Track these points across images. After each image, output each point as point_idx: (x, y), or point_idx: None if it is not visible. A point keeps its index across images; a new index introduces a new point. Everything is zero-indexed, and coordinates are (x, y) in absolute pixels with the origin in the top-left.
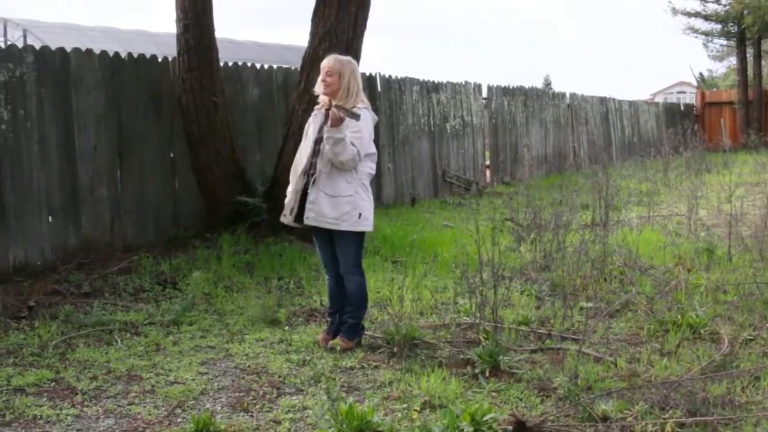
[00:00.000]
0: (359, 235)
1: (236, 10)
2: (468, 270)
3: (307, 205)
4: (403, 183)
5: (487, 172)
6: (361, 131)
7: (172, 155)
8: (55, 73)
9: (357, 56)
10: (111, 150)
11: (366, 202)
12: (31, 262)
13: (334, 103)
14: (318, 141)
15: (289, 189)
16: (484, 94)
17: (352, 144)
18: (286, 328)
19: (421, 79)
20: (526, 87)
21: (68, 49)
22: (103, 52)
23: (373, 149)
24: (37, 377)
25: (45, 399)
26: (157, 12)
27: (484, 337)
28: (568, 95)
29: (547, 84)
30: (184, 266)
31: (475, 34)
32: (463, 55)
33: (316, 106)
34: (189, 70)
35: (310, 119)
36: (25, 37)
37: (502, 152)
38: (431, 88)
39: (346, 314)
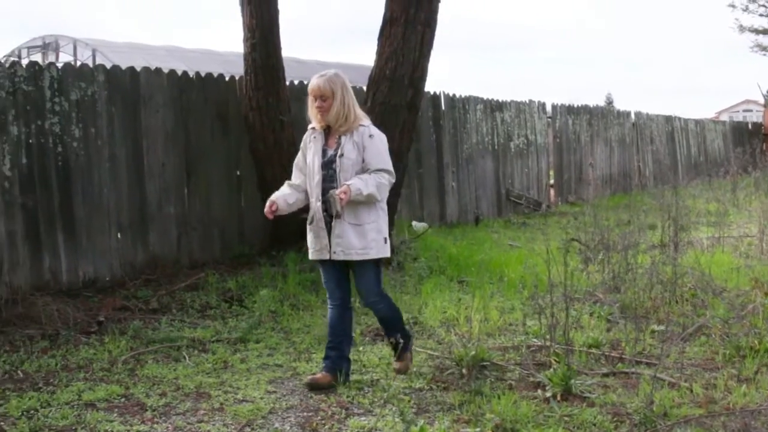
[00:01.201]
0: (381, 260)
1: (299, 29)
2: (537, 291)
3: (334, 240)
4: (467, 202)
5: (551, 192)
6: (380, 152)
7: (238, 173)
8: (125, 92)
9: (423, 75)
10: (178, 167)
11: (386, 223)
12: (100, 277)
13: (333, 128)
14: (327, 164)
15: (310, 225)
16: (549, 112)
17: (381, 170)
18: (360, 348)
19: (485, 98)
20: (591, 105)
21: (138, 68)
22: (172, 71)
23: (391, 165)
24: (108, 392)
25: (115, 414)
26: (215, 27)
27: (555, 360)
28: (633, 114)
29: (609, 102)
30: (250, 284)
31: (535, 50)
32: (525, 72)
33: (310, 126)
34: (256, 88)
35: (308, 139)
36: (94, 56)
37: (567, 171)
38: (495, 107)
39: (390, 336)
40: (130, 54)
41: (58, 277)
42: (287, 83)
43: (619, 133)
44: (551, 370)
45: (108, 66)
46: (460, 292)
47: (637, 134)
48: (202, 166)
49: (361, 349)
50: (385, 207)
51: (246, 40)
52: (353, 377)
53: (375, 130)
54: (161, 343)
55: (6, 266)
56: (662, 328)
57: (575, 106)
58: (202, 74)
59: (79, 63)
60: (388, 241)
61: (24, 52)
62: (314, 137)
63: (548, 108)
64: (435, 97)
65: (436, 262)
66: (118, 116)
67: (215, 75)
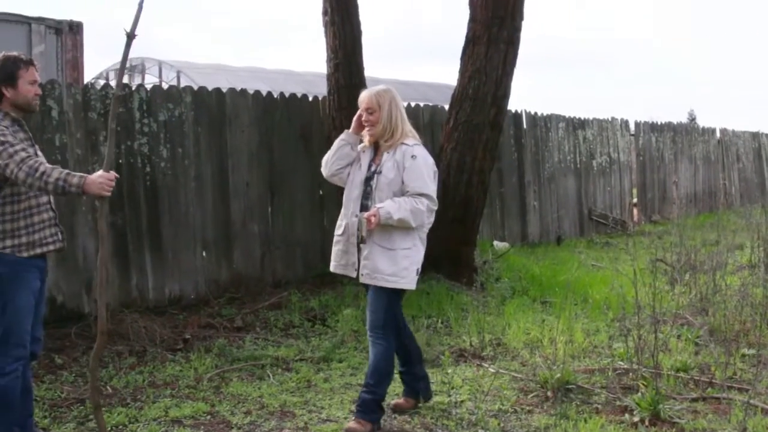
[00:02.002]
0: (402, 293)
1: (380, 49)
2: (624, 312)
3: (362, 261)
4: (549, 221)
5: (635, 211)
6: (422, 175)
7: (321, 192)
8: (211, 113)
9: (506, 94)
10: (262, 187)
11: (421, 254)
12: (185, 295)
13: (380, 142)
14: (366, 180)
15: (339, 236)
16: (632, 130)
17: (420, 195)
18: (451, 370)
19: (566, 116)
20: (675, 122)
21: (223, 89)
22: (257, 92)
23: (433, 190)
24: (194, 409)
25: (202, 431)
26: (294, 48)
27: (642, 384)
28: (718, 131)
29: (692, 118)
30: (333, 303)
31: (615, 67)
32: (604, 89)
33: (361, 144)
34: (339, 108)
35: (362, 152)
36: (179, 77)
37: (650, 190)
38: (577, 125)
39: (366, 389)
40: (214, 75)
41: (144, 295)
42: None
43: (703, 151)
44: (639, 394)
45: (194, 87)
46: (543, 313)
47: (723, 151)
48: (285, 185)
49: (449, 371)
50: (425, 237)
51: (329, 60)
52: (437, 398)
53: (420, 151)
54: (246, 361)
55: (95, 283)
56: (753, 351)
57: (659, 123)
58: (286, 95)
59: (164, 84)
60: (418, 275)
61: (111, 75)
62: (363, 151)
63: (631, 125)
64: (517, 116)
65: (519, 282)
66: (204, 136)
67: (299, 95)
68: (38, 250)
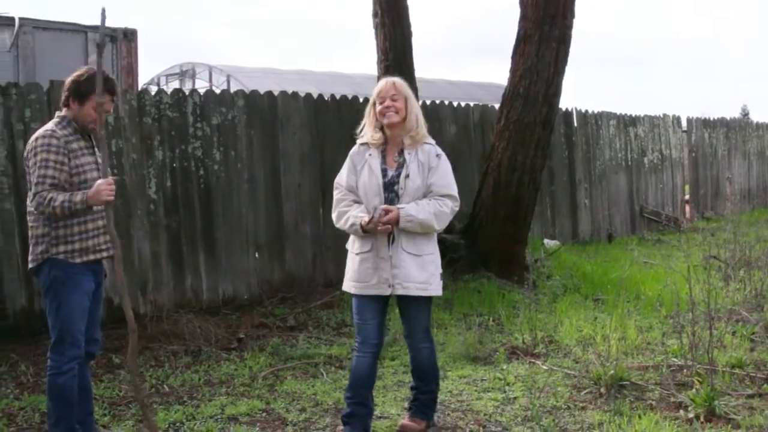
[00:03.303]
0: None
1: (428, 48)
2: (678, 308)
3: (391, 271)
4: (600, 219)
5: (687, 207)
6: (448, 175)
7: None
8: (263, 116)
9: (558, 92)
10: (314, 188)
11: (440, 257)
12: (238, 295)
13: (394, 141)
14: (388, 186)
15: (357, 248)
16: (684, 126)
17: (446, 196)
18: (504, 367)
19: (617, 113)
20: (728, 118)
21: (275, 93)
22: (308, 95)
23: (456, 190)
24: (249, 407)
25: (258, 428)
26: (341, 52)
27: (697, 380)
28: None
29: (745, 114)
30: None
31: (664, 63)
32: (655, 86)
33: (360, 142)
34: None
35: (359, 157)
36: (228, 81)
37: (703, 186)
38: (628, 122)
39: (418, 390)
40: (263, 78)
41: (199, 296)
42: (420, 103)
43: (758, 146)
44: (693, 390)
45: (245, 91)
46: (595, 310)
47: None
48: None
49: (504, 367)
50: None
51: (380, 62)
52: (490, 395)
53: (441, 150)
54: (299, 359)
55: (151, 285)
56: None
57: (711, 119)
58: (336, 97)
59: (214, 88)
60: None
61: (162, 80)
62: (369, 155)
63: (683, 122)
64: (567, 114)
65: (570, 280)
66: (257, 139)
67: (349, 97)
68: (91, 257)
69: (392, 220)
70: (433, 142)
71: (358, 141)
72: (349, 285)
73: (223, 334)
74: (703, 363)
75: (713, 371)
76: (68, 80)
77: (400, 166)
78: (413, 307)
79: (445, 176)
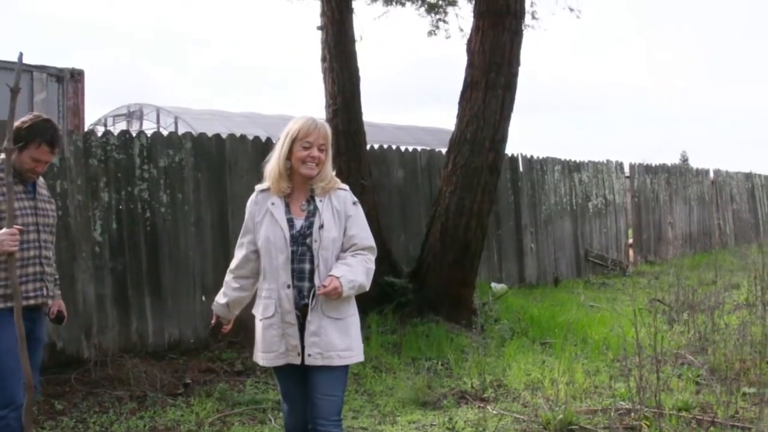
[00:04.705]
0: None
1: (374, 93)
2: (625, 352)
3: (308, 339)
4: (546, 262)
5: (630, 251)
6: (366, 225)
7: None
8: (211, 159)
9: (504, 138)
10: None
11: None
12: (185, 339)
13: (301, 190)
14: (298, 239)
15: (260, 313)
16: (626, 172)
17: (367, 249)
18: (453, 411)
19: (562, 159)
20: (669, 164)
21: (223, 136)
22: (256, 138)
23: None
24: None
25: None
26: (291, 92)
27: (645, 424)
28: (711, 171)
29: (684, 159)
30: None
31: (606, 110)
32: (595, 131)
33: (260, 189)
34: (338, 154)
35: (259, 207)
36: (176, 123)
37: (646, 231)
38: (573, 168)
39: None
40: (210, 120)
41: (144, 340)
42: (368, 147)
43: (698, 192)
44: None
45: (193, 133)
46: (543, 354)
47: (717, 192)
48: None
49: (454, 412)
50: None
51: (328, 106)
52: None
53: (355, 197)
54: (247, 405)
55: (95, 328)
56: (754, 390)
57: (653, 165)
58: None
59: (162, 130)
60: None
61: (110, 121)
62: (272, 203)
63: (626, 167)
64: (513, 159)
65: (518, 323)
66: (204, 182)
67: None
68: (9, 304)
69: (336, 293)
70: (346, 187)
71: (257, 188)
72: (258, 356)
73: (169, 378)
74: (650, 406)
75: (661, 414)
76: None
77: (311, 214)
78: (328, 379)
79: (364, 227)
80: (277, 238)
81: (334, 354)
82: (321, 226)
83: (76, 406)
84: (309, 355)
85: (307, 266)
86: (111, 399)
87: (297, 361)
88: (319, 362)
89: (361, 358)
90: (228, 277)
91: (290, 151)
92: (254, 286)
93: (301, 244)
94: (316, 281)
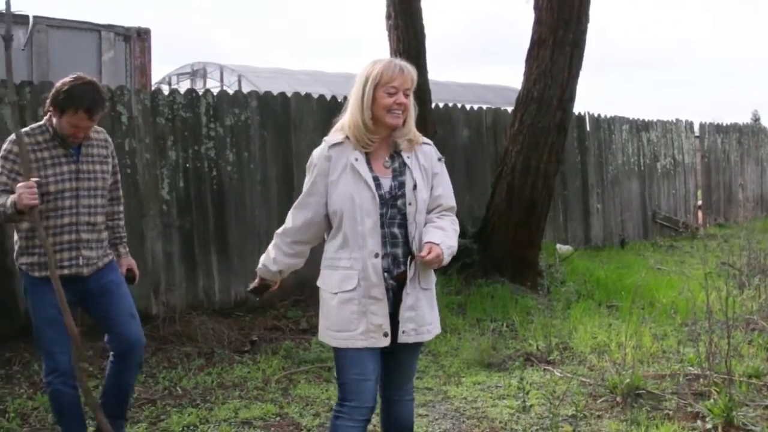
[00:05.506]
0: None
1: (439, 51)
2: (695, 317)
3: (404, 314)
4: (612, 224)
5: (699, 213)
6: (449, 184)
7: None
8: (276, 117)
9: (572, 96)
10: None
11: None
12: (250, 297)
13: (385, 142)
14: (389, 200)
15: (350, 292)
16: (696, 132)
17: (449, 210)
18: (519, 374)
19: (630, 118)
20: (741, 123)
21: (288, 94)
22: (321, 96)
23: None
24: (263, 411)
25: None
26: (352, 53)
27: (715, 390)
28: None
29: (756, 119)
30: None
31: (675, 68)
32: (665, 91)
33: (333, 142)
34: None
35: (332, 163)
36: (239, 82)
37: (716, 192)
38: (641, 127)
39: None
40: (274, 79)
41: (211, 297)
42: (432, 106)
43: None
44: (711, 400)
45: (258, 91)
46: (609, 317)
47: None
48: None
49: (519, 374)
50: None
51: None
52: (505, 402)
53: (436, 150)
54: (312, 363)
55: (163, 285)
56: None
57: (724, 124)
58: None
59: (226, 88)
60: None
61: (174, 79)
62: (356, 159)
63: (696, 127)
64: (580, 118)
65: (584, 285)
66: (270, 140)
67: None
68: (45, 273)
69: (439, 261)
70: (430, 142)
71: (327, 140)
72: (325, 334)
73: (235, 336)
74: (720, 372)
75: (730, 381)
76: (55, 85)
77: (398, 173)
78: (413, 353)
79: (449, 186)
80: (365, 200)
81: (425, 329)
82: (414, 186)
83: (146, 362)
84: (403, 332)
85: (397, 231)
86: (179, 355)
87: (383, 343)
88: (413, 339)
89: (440, 329)
90: (279, 240)
91: (373, 98)
92: (308, 253)
93: (391, 206)
94: (413, 248)
